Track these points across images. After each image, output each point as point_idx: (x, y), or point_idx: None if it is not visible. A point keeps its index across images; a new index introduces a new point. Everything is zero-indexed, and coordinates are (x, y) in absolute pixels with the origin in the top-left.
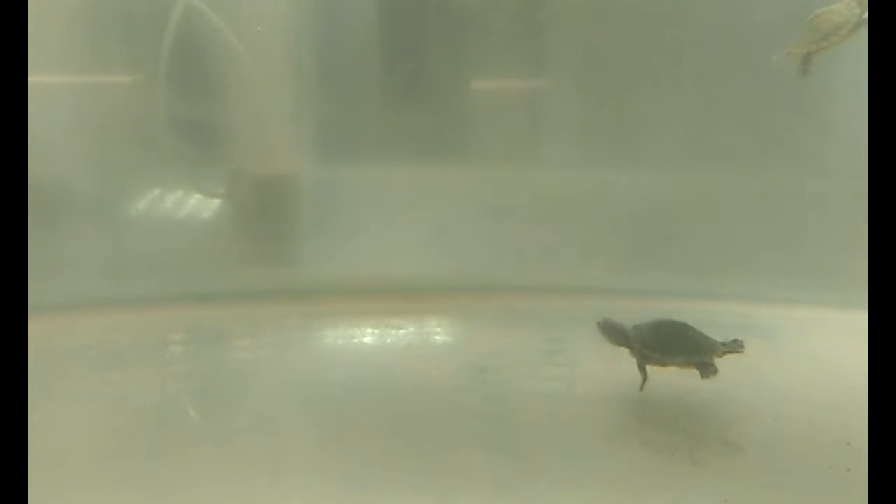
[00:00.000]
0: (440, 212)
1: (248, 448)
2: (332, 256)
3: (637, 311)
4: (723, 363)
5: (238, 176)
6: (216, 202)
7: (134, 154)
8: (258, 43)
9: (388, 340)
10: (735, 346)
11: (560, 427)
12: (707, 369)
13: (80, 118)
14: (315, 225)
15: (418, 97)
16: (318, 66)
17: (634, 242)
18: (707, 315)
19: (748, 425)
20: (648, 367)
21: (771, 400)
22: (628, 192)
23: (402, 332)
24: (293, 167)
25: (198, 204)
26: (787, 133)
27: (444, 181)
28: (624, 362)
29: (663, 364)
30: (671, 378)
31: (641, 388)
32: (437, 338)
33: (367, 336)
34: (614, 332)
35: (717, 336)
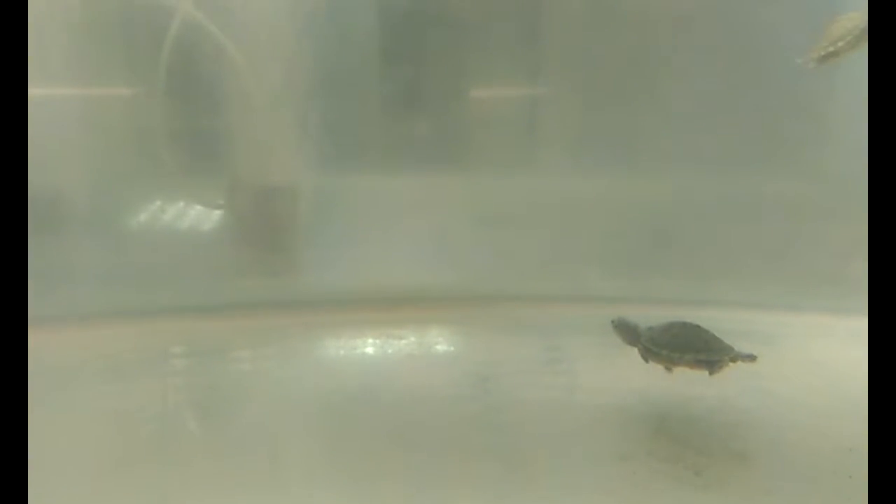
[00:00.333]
0: (440, 221)
1: (248, 459)
2: (331, 266)
3: (638, 319)
4: (725, 370)
5: (237, 187)
6: (216, 213)
7: (133, 165)
8: (257, 53)
9: (389, 350)
10: (748, 357)
11: (561, 436)
12: (714, 366)
13: (80, 130)
14: (315, 235)
15: (417, 106)
16: (317, 76)
17: (634, 250)
18: (708, 322)
19: (751, 432)
20: (657, 367)
21: (773, 406)
22: (628, 199)
23: (403, 341)
24: (293, 177)
25: (198, 215)
26: (787, 139)
27: (443, 190)
28: (625, 370)
29: (672, 363)
30: (674, 386)
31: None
32: (437, 347)
33: (368, 346)
34: (627, 331)
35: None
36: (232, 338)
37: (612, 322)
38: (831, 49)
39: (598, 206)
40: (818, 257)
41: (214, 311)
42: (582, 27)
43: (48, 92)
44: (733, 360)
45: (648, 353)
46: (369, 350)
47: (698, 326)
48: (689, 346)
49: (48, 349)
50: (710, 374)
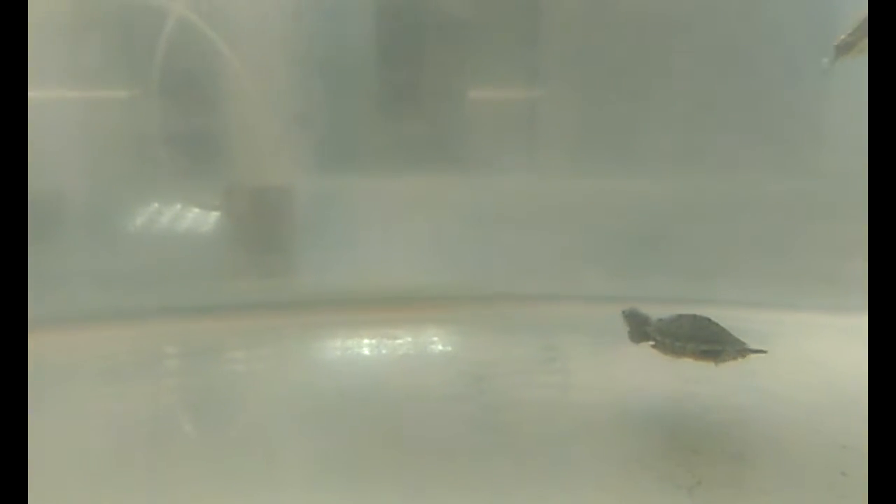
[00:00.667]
0: (437, 221)
1: (242, 460)
2: (328, 267)
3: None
4: (719, 370)
5: (234, 188)
6: (212, 214)
7: (129, 167)
8: (252, 54)
9: (384, 350)
10: (757, 352)
11: (555, 434)
12: (720, 356)
13: (75, 132)
14: (311, 236)
15: (414, 107)
16: (314, 77)
17: (630, 249)
18: None
19: (744, 430)
20: (651, 366)
21: (767, 404)
22: (625, 198)
23: (398, 341)
24: (289, 178)
25: (194, 216)
26: (781, 138)
27: (440, 191)
28: (619, 369)
29: (677, 352)
30: (668, 384)
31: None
32: (432, 347)
33: (363, 346)
34: (637, 322)
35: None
36: (227, 338)
37: (623, 312)
38: (847, 40)
39: (595, 206)
40: (814, 256)
41: (210, 312)
42: (579, 28)
43: (43, 94)
44: (742, 354)
45: (656, 344)
46: (364, 350)
47: (708, 319)
48: (695, 337)
49: (42, 350)
50: (717, 364)
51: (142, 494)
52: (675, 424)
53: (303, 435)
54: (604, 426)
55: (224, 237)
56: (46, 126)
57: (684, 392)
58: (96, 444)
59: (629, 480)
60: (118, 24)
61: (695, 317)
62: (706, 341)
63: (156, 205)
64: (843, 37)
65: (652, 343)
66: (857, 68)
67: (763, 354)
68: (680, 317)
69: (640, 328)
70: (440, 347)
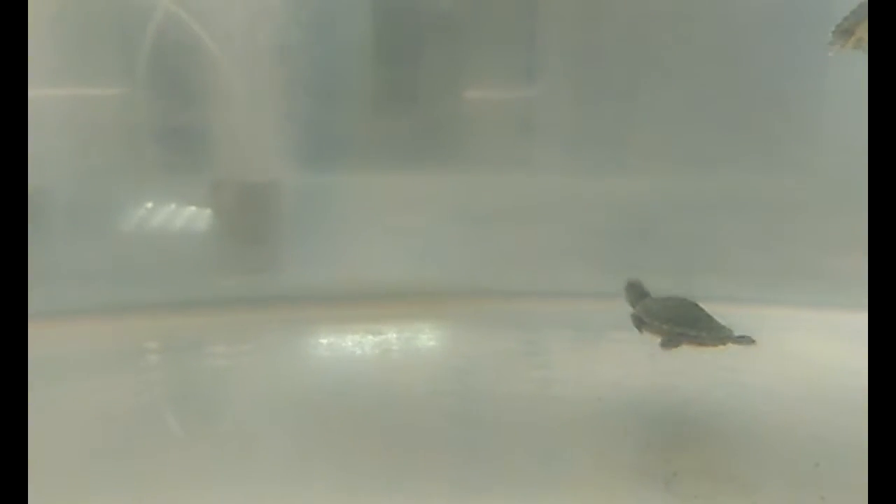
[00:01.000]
0: (423, 218)
1: (221, 454)
2: (313, 263)
3: (616, 313)
4: (699, 364)
5: (220, 183)
6: (198, 210)
7: (114, 162)
8: (240, 49)
9: (367, 346)
10: (745, 340)
11: (535, 427)
12: (696, 340)
13: (60, 128)
14: (298, 231)
15: (403, 104)
16: (303, 72)
17: (617, 245)
18: None
19: (723, 422)
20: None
21: (746, 397)
22: (612, 195)
23: (380, 337)
24: (276, 174)
25: (179, 211)
26: (768, 137)
27: (427, 188)
28: (601, 363)
29: (662, 334)
30: (649, 378)
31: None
32: (415, 342)
33: (346, 342)
34: (635, 295)
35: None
36: (211, 334)
37: (628, 281)
38: (845, 25)
39: (584, 203)
40: (798, 252)
41: (194, 307)
42: (574, 27)
43: (31, 92)
44: (723, 342)
45: (641, 323)
46: (346, 345)
47: (696, 305)
48: (674, 320)
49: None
50: (704, 345)
51: (119, 488)
52: (654, 417)
53: (283, 429)
54: (583, 419)
55: (210, 232)
56: (31, 123)
57: (664, 385)
58: (74, 437)
59: (606, 472)
60: (104, 21)
61: (683, 301)
62: (685, 325)
63: (141, 200)
64: (841, 23)
65: (635, 321)
66: (848, 67)
67: (748, 345)
68: (668, 299)
69: (635, 301)
70: (423, 343)
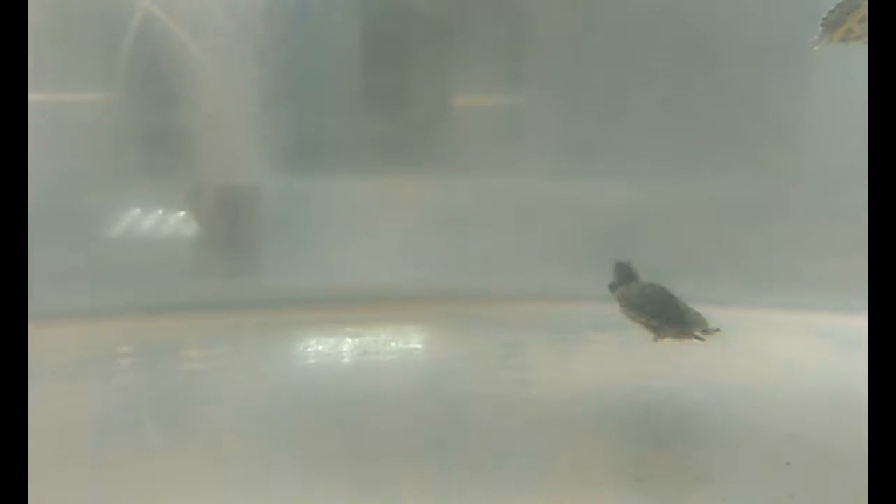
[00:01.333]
0: (404, 222)
1: (192, 459)
2: (292, 266)
3: (596, 316)
4: (676, 365)
5: (200, 186)
6: (178, 213)
7: (90, 165)
8: (221, 52)
9: (343, 348)
10: (713, 331)
11: (510, 429)
12: (656, 331)
13: (37, 132)
14: (277, 235)
15: (385, 108)
16: (286, 76)
17: (595, 248)
18: None
19: (697, 422)
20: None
21: (720, 398)
22: (592, 199)
23: (357, 339)
24: (256, 177)
25: (159, 215)
26: (749, 142)
27: (408, 192)
28: (578, 365)
29: (628, 317)
30: (624, 379)
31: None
32: (392, 344)
33: (322, 344)
34: (621, 276)
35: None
36: (189, 337)
37: (616, 261)
38: (830, 14)
39: (563, 206)
40: (773, 255)
41: (170, 311)
42: (560, 33)
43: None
44: (686, 336)
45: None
46: (322, 348)
47: (671, 295)
48: (641, 308)
49: None
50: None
51: (87, 495)
52: (628, 418)
53: (257, 433)
54: (559, 421)
55: (189, 236)
56: None
57: (641, 386)
58: (43, 442)
59: (580, 472)
60: (83, 25)
61: (662, 290)
62: (649, 315)
63: (120, 203)
64: (829, 14)
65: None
66: (830, 70)
67: (712, 334)
68: (647, 286)
69: (620, 282)
70: (400, 345)
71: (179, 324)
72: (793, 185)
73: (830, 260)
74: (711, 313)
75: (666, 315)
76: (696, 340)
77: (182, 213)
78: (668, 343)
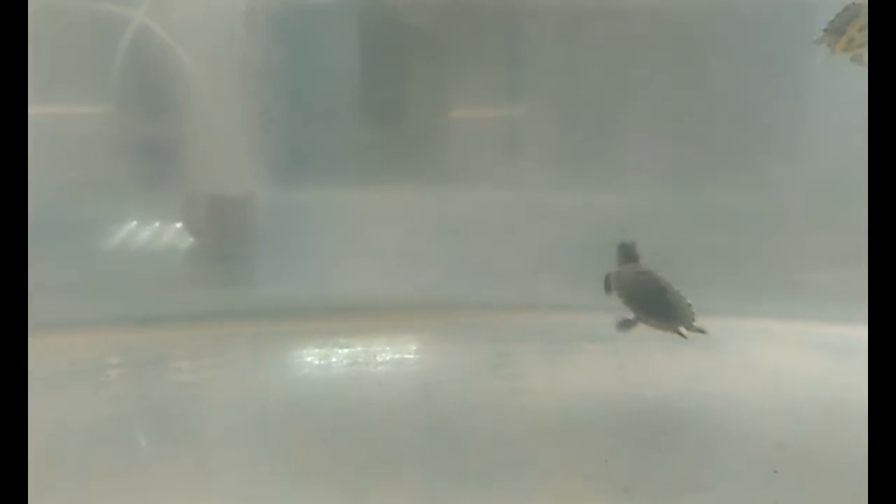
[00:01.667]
0: (396, 232)
1: (178, 470)
2: (284, 277)
3: (588, 326)
4: (667, 374)
5: (193, 197)
6: (171, 224)
7: (83, 177)
8: (214, 65)
9: (333, 359)
10: (697, 330)
11: (500, 438)
12: (631, 324)
13: (33, 143)
14: (270, 246)
15: (380, 119)
16: (280, 87)
17: (589, 259)
18: None
19: (686, 431)
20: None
21: (710, 406)
22: (586, 211)
23: (347, 350)
24: (249, 188)
25: (151, 226)
26: (745, 154)
27: (403, 204)
28: (569, 374)
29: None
30: (615, 388)
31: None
32: (383, 355)
33: (312, 355)
34: (623, 257)
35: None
36: (177, 349)
37: (621, 241)
38: (831, 25)
39: (557, 218)
40: (766, 266)
41: (163, 322)
42: (556, 46)
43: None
44: (667, 329)
45: (608, 288)
46: (311, 359)
47: (663, 288)
48: (630, 299)
49: None
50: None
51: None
52: (619, 427)
53: (247, 444)
54: (549, 430)
55: (182, 247)
56: None
57: (632, 395)
58: (35, 452)
59: (569, 481)
60: (77, 37)
61: (656, 279)
62: (635, 303)
63: (113, 214)
64: (831, 23)
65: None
66: (828, 80)
67: (697, 333)
68: (642, 272)
69: (621, 263)
70: (392, 356)
71: (172, 334)
72: (791, 195)
73: (827, 270)
74: (707, 323)
75: (650, 305)
76: (678, 336)
77: (176, 224)
78: (645, 329)
